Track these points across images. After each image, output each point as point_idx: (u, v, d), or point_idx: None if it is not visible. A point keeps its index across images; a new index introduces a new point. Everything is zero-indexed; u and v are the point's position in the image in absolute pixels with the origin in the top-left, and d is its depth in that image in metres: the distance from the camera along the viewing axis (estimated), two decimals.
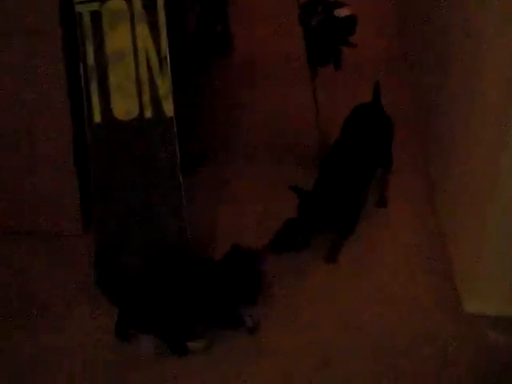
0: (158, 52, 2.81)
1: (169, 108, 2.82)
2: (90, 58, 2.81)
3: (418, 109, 3.99)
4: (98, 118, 2.82)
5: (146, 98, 2.81)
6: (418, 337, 2.83)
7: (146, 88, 2.81)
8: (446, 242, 3.20)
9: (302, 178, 3.38)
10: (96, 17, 2.78)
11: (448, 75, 3.29)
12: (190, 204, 3.32)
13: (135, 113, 2.82)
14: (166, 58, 2.81)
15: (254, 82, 4.29)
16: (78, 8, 2.78)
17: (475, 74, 2.83)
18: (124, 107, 2.82)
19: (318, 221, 3.12)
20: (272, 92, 4.24)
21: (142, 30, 2.80)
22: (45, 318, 2.87)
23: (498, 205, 2.66)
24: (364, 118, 3.42)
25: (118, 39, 2.80)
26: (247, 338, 2.79)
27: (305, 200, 3.11)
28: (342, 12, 3.48)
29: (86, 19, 2.77)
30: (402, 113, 3.88)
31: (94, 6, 2.77)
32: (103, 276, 2.90)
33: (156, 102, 2.82)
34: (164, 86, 2.81)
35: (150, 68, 2.82)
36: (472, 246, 2.88)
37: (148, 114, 2.82)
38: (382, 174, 3.48)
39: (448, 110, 3.29)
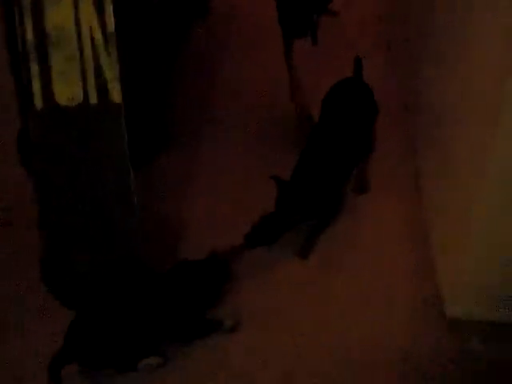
0: (104, 28, 2.48)
1: (116, 93, 2.52)
2: (29, 33, 2.48)
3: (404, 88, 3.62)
4: (39, 103, 2.52)
5: (91, 81, 2.51)
6: (395, 345, 2.63)
7: (90, 70, 2.50)
8: (431, 240, 2.92)
9: (281, 158, 3.14)
10: None
11: (439, 60, 2.94)
12: (154, 194, 3.11)
13: (79, 98, 2.52)
14: (112, 34, 2.48)
15: (230, 49, 3.90)
16: None
17: (464, 61, 2.50)
18: (67, 92, 2.51)
19: (296, 215, 2.84)
20: (251, 60, 3.86)
21: (86, 4, 2.47)
22: None
23: (484, 204, 2.37)
24: (345, 96, 3.09)
25: (58, 14, 2.47)
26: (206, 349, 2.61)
27: (283, 192, 2.83)
28: None
29: None
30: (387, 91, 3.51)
31: None
32: (51, 275, 2.66)
33: (102, 86, 2.51)
34: (110, 67, 2.50)
35: (94, 47, 2.49)
36: (456, 246, 2.61)
37: (93, 99, 2.52)
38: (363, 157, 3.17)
39: (437, 98, 2.96)
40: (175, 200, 3.16)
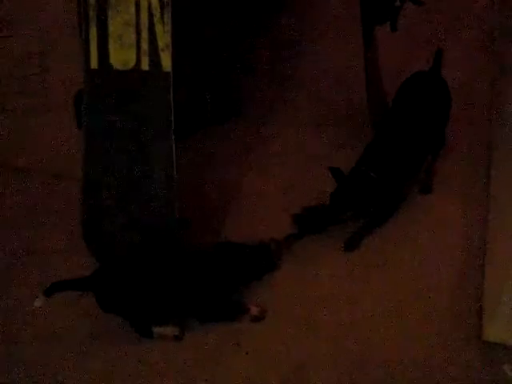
0: None
1: (167, 62, 2.53)
2: None
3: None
4: (95, 63, 2.58)
5: (144, 48, 2.53)
6: (420, 356, 2.48)
7: (144, 37, 2.53)
8: (487, 255, 2.71)
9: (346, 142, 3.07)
10: None
11: None
12: (205, 164, 3.12)
13: (132, 63, 2.55)
14: (168, 4, 2.48)
15: (308, 37, 3.77)
16: None
17: None
18: (121, 56, 2.56)
19: (349, 211, 2.75)
20: (329, 47, 3.71)
21: None
22: None
23: None
24: (419, 89, 2.91)
25: None
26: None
27: (340, 186, 2.73)
28: None
29: None
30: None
31: None
32: (90, 233, 2.73)
33: (154, 54, 2.53)
34: (164, 36, 2.51)
35: (150, 15, 2.50)
36: (504, 266, 2.40)
37: (145, 66, 2.54)
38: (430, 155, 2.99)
39: None
40: (229, 174, 3.14)
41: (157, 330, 2.54)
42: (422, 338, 2.53)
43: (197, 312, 2.57)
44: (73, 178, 2.88)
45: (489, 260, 2.67)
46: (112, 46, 2.55)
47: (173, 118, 2.55)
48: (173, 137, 2.57)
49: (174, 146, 2.58)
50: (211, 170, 3.15)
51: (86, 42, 2.57)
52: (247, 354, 2.54)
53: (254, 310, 2.60)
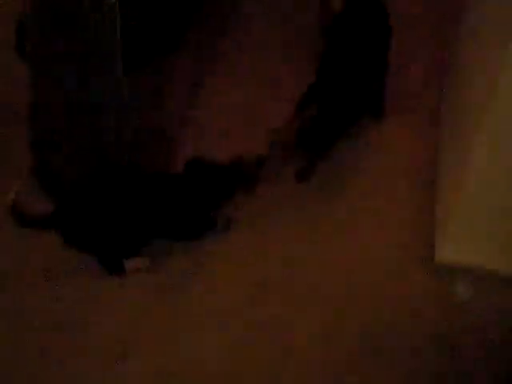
0: None
1: None
2: None
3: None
4: None
5: None
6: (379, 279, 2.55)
7: None
8: (437, 178, 2.75)
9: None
10: None
11: None
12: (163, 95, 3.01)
13: None
14: None
15: None
16: None
17: None
18: None
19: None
20: None
21: None
22: None
23: (485, 147, 2.19)
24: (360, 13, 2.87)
25: None
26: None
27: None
28: None
29: None
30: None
31: None
32: (39, 168, 2.65)
33: None
34: None
35: None
36: (454, 186, 2.44)
37: None
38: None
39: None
40: (182, 104, 3.06)
41: (128, 263, 2.48)
42: (376, 261, 2.58)
43: (170, 232, 2.51)
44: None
45: (439, 181, 2.71)
46: None
47: (120, 43, 2.45)
48: (121, 63, 2.47)
49: (122, 77, 2.49)
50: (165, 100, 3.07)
51: None
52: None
53: (222, 222, 2.60)
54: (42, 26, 2.49)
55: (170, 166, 2.77)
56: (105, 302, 2.47)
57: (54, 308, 2.45)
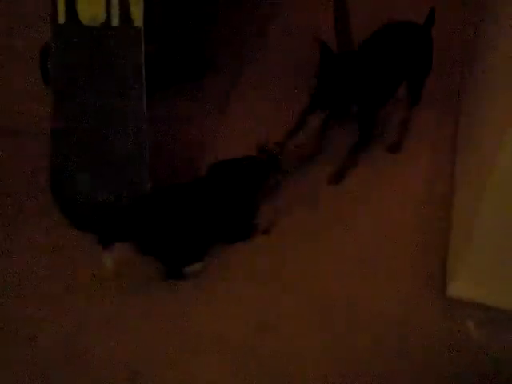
0: None
1: (137, 16, 2.47)
2: None
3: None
4: (62, 18, 2.51)
5: (115, 2, 2.47)
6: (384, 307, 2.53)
7: None
8: (452, 209, 2.77)
9: None
10: None
11: None
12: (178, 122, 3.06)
13: (101, 18, 2.49)
14: None
15: None
16: None
17: None
18: (90, 11, 2.50)
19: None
20: None
21: None
22: None
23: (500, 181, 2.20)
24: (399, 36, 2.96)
25: None
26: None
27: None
28: None
29: None
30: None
31: None
32: (59, 194, 2.70)
33: (124, 9, 2.47)
34: None
35: None
36: (468, 223, 2.45)
37: (115, 21, 2.49)
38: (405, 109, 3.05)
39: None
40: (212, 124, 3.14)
41: (189, 268, 2.55)
42: (386, 293, 2.57)
43: (224, 236, 2.60)
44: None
45: (454, 216, 2.72)
46: (80, 1, 2.49)
47: (144, 75, 2.52)
48: (145, 94, 2.54)
49: (145, 103, 2.55)
50: (185, 129, 3.12)
51: None
52: None
53: (263, 225, 2.69)
54: (66, 52, 2.56)
55: None
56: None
57: None
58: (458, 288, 2.51)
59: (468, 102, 3.03)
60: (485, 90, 2.64)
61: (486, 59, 2.77)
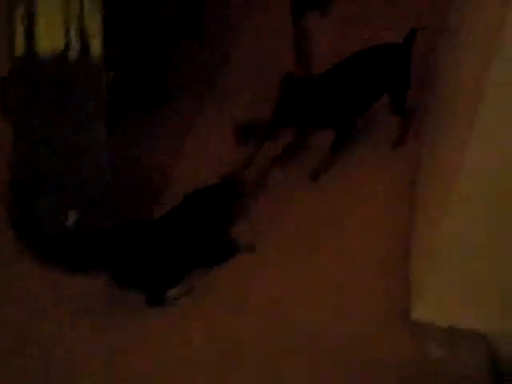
0: None
1: (97, 48, 2.47)
2: None
3: None
4: (20, 51, 2.50)
5: (74, 33, 2.46)
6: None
7: (74, 21, 2.45)
8: (413, 232, 2.80)
9: None
10: None
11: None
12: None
13: (60, 49, 2.48)
14: None
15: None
16: None
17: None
18: (49, 43, 2.48)
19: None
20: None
21: None
22: None
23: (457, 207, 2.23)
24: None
25: None
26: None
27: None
28: None
29: None
30: None
31: None
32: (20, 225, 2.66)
33: (84, 40, 2.47)
34: (94, 21, 2.46)
35: None
36: (428, 245, 2.49)
37: (74, 53, 2.47)
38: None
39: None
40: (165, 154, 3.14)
41: (172, 293, 2.58)
42: (350, 318, 2.58)
43: (203, 260, 2.66)
44: None
45: (415, 237, 2.75)
46: (39, 32, 2.47)
47: (105, 105, 2.51)
48: (105, 124, 2.53)
49: (105, 132, 2.55)
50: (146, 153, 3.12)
51: (12, 25, 2.48)
52: None
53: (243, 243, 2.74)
54: (25, 85, 2.54)
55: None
56: None
57: None
58: (422, 311, 2.53)
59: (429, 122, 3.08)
60: (444, 113, 2.69)
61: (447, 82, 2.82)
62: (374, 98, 3.01)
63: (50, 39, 2.47)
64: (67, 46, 2.46)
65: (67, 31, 2.46)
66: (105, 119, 2.54)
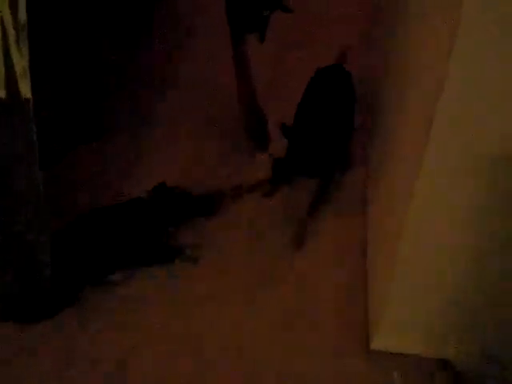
0: (15, 19, 2.30)
1: (25, 88, 2.34)
2: None
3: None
4: None
5: (0, 77, 2.33)
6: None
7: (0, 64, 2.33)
8: (367, 262, 2.78)
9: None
10: None
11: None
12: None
13: None
14: (24, 26, 2.30)
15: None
16: None
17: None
18: None
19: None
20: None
21: None
22: None
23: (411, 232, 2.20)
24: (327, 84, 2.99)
25: None
26: None
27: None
28: None
29: None
30: None
31: None
32: None
33: (11, 81, 2.33)
34: (21, 61, 2.32)
35: (5, 39, 2.31)
36: (384, 274, 2.45)
37: (1, 93, 2.34)
38: None
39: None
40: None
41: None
42: (309, 350, 2.53)
43: (140, 258, 2.75)
44: None
45: (370, 269, 2.73)
46: None
47: (36, 147, 2.39)
48: (38, 165, 2.41)
49: (39, 175, 2.42)
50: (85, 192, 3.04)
51: None
52: None
53: (189, 252, 2.80)
54: None
55: None
56: None
57: None
58: (381, 341, 2.49)
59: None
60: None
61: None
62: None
63: None
64: None
65: None
66: (38, 162, 2.41)
